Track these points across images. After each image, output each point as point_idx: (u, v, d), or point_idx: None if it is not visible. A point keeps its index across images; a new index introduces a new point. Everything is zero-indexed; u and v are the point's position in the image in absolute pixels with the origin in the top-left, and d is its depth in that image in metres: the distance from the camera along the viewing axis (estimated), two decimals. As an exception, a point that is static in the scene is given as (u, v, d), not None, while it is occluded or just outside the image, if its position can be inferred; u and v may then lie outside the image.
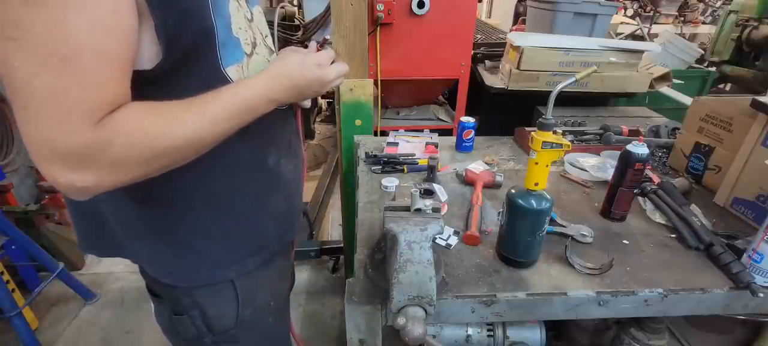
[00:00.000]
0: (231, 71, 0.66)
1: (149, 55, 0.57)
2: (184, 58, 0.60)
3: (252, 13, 0.75)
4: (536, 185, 0.79)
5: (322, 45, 0.83)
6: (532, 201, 0.79)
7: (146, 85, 0.58)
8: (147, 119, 0.54)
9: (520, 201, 0.79)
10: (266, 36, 0.80)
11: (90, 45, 0.47)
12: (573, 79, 0.75)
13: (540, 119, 0.76)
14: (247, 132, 0.67)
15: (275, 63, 0.71)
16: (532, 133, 0.78)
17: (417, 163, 1.26)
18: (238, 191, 0.75)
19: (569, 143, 0.76)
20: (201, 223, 0.73)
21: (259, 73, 0.68)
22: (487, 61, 2.29)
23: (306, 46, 0.82)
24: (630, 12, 5.19)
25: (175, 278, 0.76)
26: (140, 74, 0.57)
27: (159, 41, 0.56)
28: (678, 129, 1.35)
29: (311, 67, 0.73)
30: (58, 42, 0.45)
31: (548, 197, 0.80)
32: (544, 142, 0.75)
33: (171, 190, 0.68)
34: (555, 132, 0.77)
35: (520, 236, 0.82)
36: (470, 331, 0.88)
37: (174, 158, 0.58)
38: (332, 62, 0.79)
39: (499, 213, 1.04)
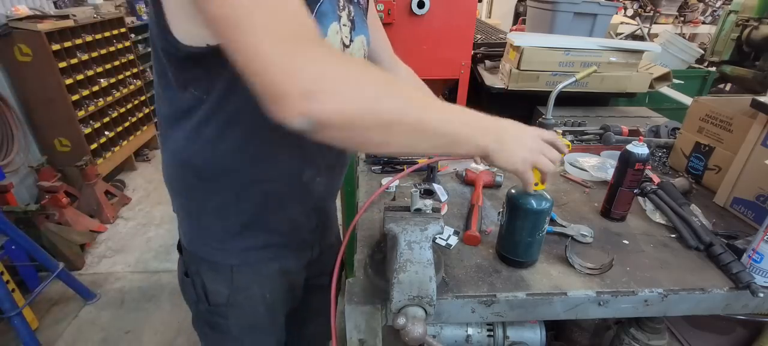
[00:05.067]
0: None
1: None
2: None
3: (352, 41, 0.73)
4: (536, 185, 0.79)
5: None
6: (532, 201, 0.79)
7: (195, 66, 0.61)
8: (381, 74, 0.55)
9: (520, 201, 0.79)
10: None
11: None
12: (573, 79, 0.76)
13: (540, 119, 0.76)
14: (292, 144, 0.69)
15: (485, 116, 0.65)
16: (532, 133, 0.77)
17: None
18: (266, 192, 0.77)
19: (569, 143, 0.76)
20: (223, 204, 0.77)
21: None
22: (487, 61, 2.29)
23: None
24: (630, 12, 5.18)
25: (188, 241, 0.84)
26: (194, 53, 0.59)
27: None
28: (678, 129, 1.35)
29: (537, 137, 0.70)
30: None
31: (548, 197, 0.80)
32: (544, 142, 0.75)
33: (208, 163, 0.71)
34: (555, 132, 0.77)
35: (520, 236, 0.82)
36: (470, 331, 0.88)
37: (382, 134, 0.54)
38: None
39: (499, 213, 1.04)
